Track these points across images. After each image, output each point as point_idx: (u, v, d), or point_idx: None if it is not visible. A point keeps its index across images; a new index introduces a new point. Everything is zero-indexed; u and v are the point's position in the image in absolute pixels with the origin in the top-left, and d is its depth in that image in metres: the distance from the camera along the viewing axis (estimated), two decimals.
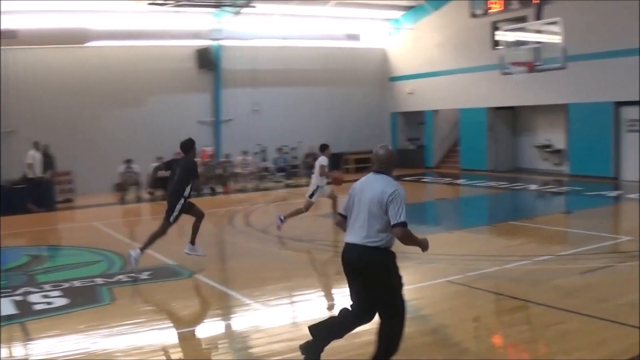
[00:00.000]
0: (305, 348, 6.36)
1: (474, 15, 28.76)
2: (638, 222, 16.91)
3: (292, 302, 9.66)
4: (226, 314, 9.18)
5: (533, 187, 23.33)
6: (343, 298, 9.70)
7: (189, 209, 11.94)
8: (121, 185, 23.93)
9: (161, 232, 11.51)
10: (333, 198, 15.56)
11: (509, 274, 10.47)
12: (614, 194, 20.81)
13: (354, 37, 31.51)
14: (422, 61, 31.74)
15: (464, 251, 12.82)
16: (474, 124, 29.23)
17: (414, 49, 32.37)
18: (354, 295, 6.47)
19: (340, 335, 6.60)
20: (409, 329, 8.01)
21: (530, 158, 28.76)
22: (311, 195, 15.16)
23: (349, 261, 6.35)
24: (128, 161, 24.00)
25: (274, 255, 12.87)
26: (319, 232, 15.29)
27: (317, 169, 15.19)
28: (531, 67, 19.94)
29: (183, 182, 11.63)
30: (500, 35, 21.87)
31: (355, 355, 7.02)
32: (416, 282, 10.54)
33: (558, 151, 27.41)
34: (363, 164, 32.13)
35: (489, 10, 27.96)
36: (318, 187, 15.13)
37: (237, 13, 26.47)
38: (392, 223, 6.06)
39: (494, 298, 9.33)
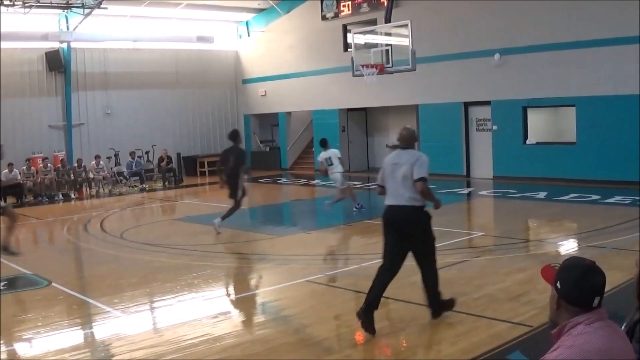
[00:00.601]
0: (360, 313, 7.43)
1: (324, 18, 29.13)
2: (490, 218, 17.68)
3: (152, 308, 9.48)
4: (86, 323, 8.86)
5: None
6: (204, 302, 9.64)
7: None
8: None
9: (237, 207, 14.81)
10: (350, 189, 17.60)
11: (367, 272, 10.53)
12: (465, 191, 21.59)
13: (206, 40, 31.27)
14: (274, 63, 31.87)
15: (322, 251, 12.97)
16: (326, 125, 29.54)
17: (267, 51, 32.46)
18: (389, 251, 7.69)
19: (379, 291, 7.56)
20: (270, 330, 8.08)
21: (383, 158, 29.16)
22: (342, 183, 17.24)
23: (393, 220, 7.72)
24: None
25: (131, 261, 12.58)
26: (175, 237, 15.11)
27: (336, 161, 17.09)
28: (382, 69, 20.38)
29: (237, 165, 14.70)
30: (351, 38, 22.26)
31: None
32: (276, 283, 10.62)
33: None
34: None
35: (340, 13, 28.37)
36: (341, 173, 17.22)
37: (87, 14, 25.73)
38: (414, 178, 7.40)
39: (354, 296, 9.46)
